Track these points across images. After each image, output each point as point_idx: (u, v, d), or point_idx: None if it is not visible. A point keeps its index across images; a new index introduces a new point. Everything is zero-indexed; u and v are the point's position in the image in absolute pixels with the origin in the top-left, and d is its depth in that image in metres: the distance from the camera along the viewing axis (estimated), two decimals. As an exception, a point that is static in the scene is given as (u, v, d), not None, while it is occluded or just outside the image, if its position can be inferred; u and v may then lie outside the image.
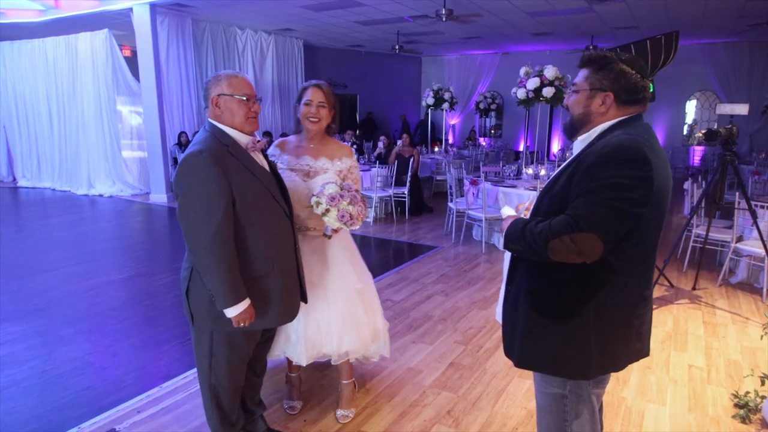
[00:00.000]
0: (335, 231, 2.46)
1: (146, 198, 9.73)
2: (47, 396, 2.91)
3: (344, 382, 2.78)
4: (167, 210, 8.92)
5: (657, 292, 4.82)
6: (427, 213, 8.56)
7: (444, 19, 8.39)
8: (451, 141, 15.75)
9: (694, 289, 4.96)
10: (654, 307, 4.45)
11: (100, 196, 10.03)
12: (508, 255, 1.79)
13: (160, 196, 9.49)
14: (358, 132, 14.73)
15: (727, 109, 4.22)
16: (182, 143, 9.83)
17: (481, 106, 14.30)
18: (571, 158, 1.61)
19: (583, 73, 1.63)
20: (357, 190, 2.41)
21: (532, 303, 1.64)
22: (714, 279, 5.21)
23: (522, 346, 1.68)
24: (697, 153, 13.71)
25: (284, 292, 2.13)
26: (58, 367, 3.23)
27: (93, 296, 4.59)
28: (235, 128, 2.01)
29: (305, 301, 2.33)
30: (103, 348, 3.53)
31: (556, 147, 14.92)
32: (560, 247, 1.42)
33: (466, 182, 6.32)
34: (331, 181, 2.38)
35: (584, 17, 10.23)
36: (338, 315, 2.56)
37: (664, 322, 4.16)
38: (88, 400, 2.87)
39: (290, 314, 2.22)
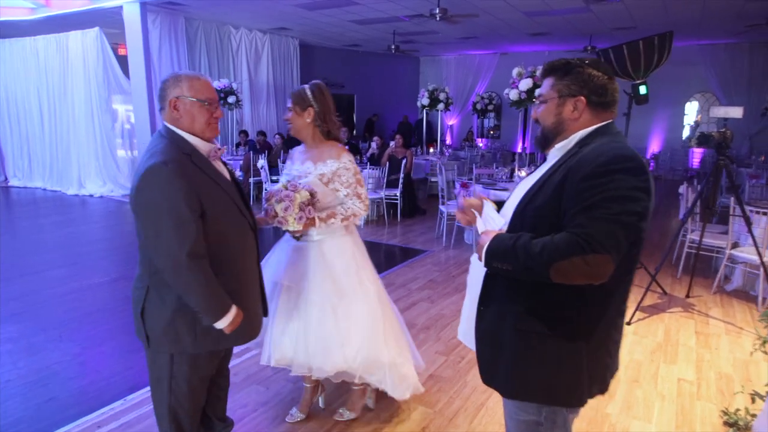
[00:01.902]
0: (291, 232, 2.34)
1: (137, 198, 9.61)
2: (6, 408, 2.79)
3: (354, 387, 2.72)
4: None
5: (649, 299, 4.68)
6: (419, 215, 8.44)
7: (438, 18, 8.26)
8: (448, 142, 15.62)
9: (687, 296, 4.84)
10: (645, 315, 4.37)
11: (91, 196, 9.93)
12: (476, 270, 1.64)
13: (150, 197, 9.37)
14: (354, 132, 14.63)
15: (721, 112, 4.10)
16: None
17: (478, 106, 14.16)
18: (550, 166, 1.49)
19: (548, 82, 1.56)
20: (295, 190, 2.25)
21: (521, 326, 1.50)
22: (709, 286, 5.08)
23: (511, 375, 1.54)
24: (696, 155, 13.56)
25: (251, 310, 2.03)
26: (22, 377, 3.12)
27: (71, 300, 4.47)
28: (194, 134, 1.87)
29: (266, 315, 2.21)
30: (72, 356, 3.41)
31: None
32: (569, 269, 1.31)
33: (457, 184, 6.20)
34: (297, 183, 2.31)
35: (582, 17, 10.10)
36: (308, 327, 2.45)
37: (654, 331, 4.04)
38: (49, 413, 2.75)
39: (255, 331, 2.11)
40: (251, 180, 9.17)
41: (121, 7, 8.76)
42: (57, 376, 3.15)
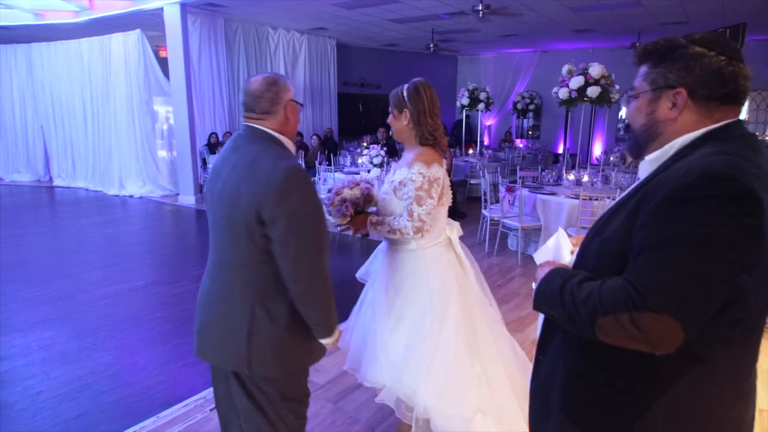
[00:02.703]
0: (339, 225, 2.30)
1: (175, 199, 9.66)
2: (36, 423, 2.68)
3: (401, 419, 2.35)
4: (195, 212, 8.80)
5: None
6: (459, 219, 8.14)
7: (481, 15, 7.95)
8: (486, 143, 15.24)
9: None
10: None
11: (131, 196, 10.03)
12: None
13: (188, 198, 9.39)
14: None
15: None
16: (212, 144, 9.70)
17: (519, 106, 13.73)
18: (634, 186, 1.16)
19: (641, 71, 1.19)
20: (352, 186, 2.25)
21: (572, 392, 1.20)
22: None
23: None
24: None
25: None
26: (53, 389, 3.01)
27: (105, 306, 4.40)
28: (289, 138, 1.80)
29: None
30: (104, 367, 3.30)
31: (598, 150, 14.24)
32: (615, 329, 0.98)
33: (502, 188, 5.90)
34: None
35: (630, 12, 9.60)
36: (390, 336, 2.24)
37: None
38: (77, 430, 2.62)
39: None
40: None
41: (161, 9, 8.79)
42: (88, 389, 3.03)
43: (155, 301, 4.54)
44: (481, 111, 9.90)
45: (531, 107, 13.91)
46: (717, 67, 1.08)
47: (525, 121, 15.65)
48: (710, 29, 9.34)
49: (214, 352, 1.77)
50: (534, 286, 1.23)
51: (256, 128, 1.71)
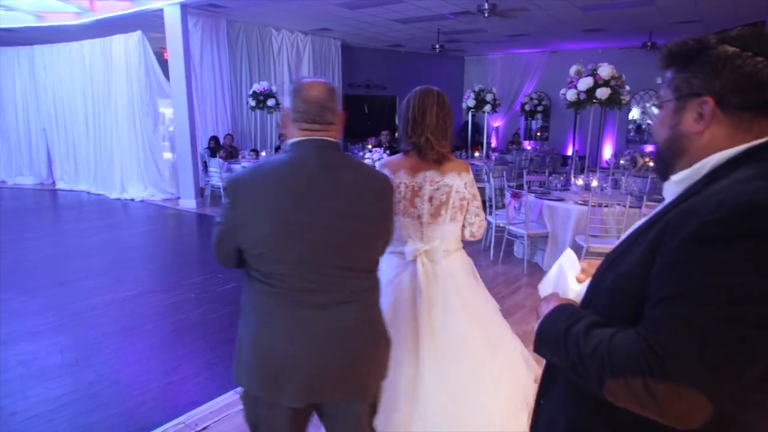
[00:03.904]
0: None
1: (176, 203, 9.53)
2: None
3: None
4: (195, 216, 8.66)
5: None
6: (464, 224, 7.95)
7: (486, 14, 7.76)
8: (493, 144, 15.01)
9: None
10: None
11: (132, 200, 9.92)
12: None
13: (189, 201, 9.26)
14: (396, 134, 14.23)
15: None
16: (212, 148, 9.55)
17: (527, 107, 13.49)
18: (656, 211, 0.97)
19: (666, 76, 1.01)
20: None
21: None
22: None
23: None
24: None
25: None
26: (28, 409, 2.85)
27: (95, 317, 4.24)
28: None
29: None
30: (85, 385, 3.13)
31: (608, 153, 13.96)
32: (626, 394, 0.80)
33: (507, 193, 5.70)
34: None
35: (641, 11, 9.35)
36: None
37: None
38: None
39: None
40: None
41: (161, 10, 8.67)
42: (65, 410, 2.85)
43: (147, 312, 4.38)
44: (488, 113, 9.68)
45: (539, 108, 13.64)
46: (752, 71, 0.88)
47: (533, 122, 15.40)
48: (724, 28, 9.05)
49: (342, 389, 1.62)
50: (536, 323, 1.05)
51: (330, 141, 1.59)
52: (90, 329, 4.00)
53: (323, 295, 1.54)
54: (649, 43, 11.39)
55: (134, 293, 4.83)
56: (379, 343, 1.69)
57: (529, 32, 11.79)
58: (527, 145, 13.45)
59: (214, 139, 9.75)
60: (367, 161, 7.65)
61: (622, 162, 8.00)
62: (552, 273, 1.20)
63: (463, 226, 2.30)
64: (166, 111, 10.16)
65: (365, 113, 14.61)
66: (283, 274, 1.51)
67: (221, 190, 9.02)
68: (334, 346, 1.56)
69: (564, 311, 0.99)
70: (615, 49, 13.26)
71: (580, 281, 1.18)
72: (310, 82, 1.57)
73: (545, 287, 1.18)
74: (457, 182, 2.19)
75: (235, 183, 1.52)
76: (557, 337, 0.94)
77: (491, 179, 6.14)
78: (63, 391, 3.06)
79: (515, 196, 5.39)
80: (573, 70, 5.70)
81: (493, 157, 10.34)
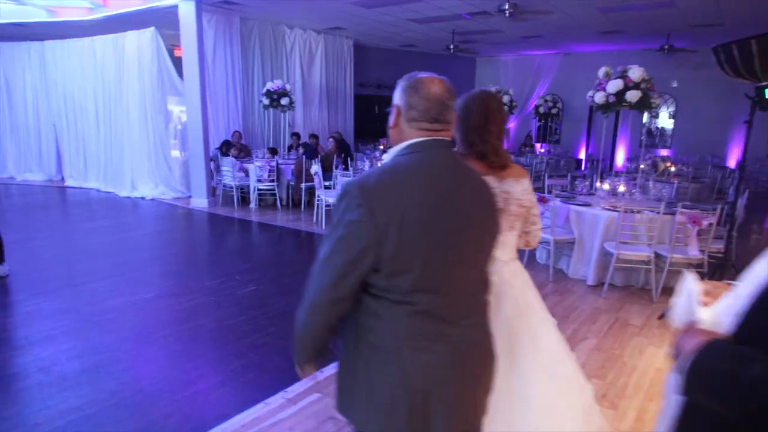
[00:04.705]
0: None
1: (187, 202, 9.40)
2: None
3: None
4: (207, 216, 8.53)
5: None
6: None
7: (508, 14, 7.60)
8: (505, 147, 14.82)
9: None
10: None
11: (142, 198, 9.78)
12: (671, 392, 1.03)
13: (200, 201, 9.13)
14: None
15: None
16: (222, 149, 9.38)
17: (541, 110, 13.33)
18: None
19: None
20: None
21: None
22: None
23: None
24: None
25: None
26: (50, 421, 2.71)
27: (110, 321, 4.11)
28: None
29: None
30: (106, 395, 2.99)
31: (620, 156, 13.79)
32: None
33: (533, 199, 5.53)
34: None
35: (662, 12, 9.17)
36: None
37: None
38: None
39: None
40: (303, 185, 8.77)
41: (176, 6, 8.54)
42: (88, 422, 2.72)
43: (164, 317, 4.25)
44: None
45: (554, 111, 13.47)
46: None
47: (550, 124, 15.18)
48: (742, 31, 8.90)
49: (480, 412, 1.53)
50: (681, 359, 0.90)
51: (451, 142, 1.47)
52: (106, 334, 3.86)
53: (465, 311, 1.42)
54: (666, 47, 11.21)
55: (149, 296, 4.69)
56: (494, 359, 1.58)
57: (545, 34, 11.62)
58: (540, 148, 13.26)
59: (226, 143, 9.57)
60: (381, 163, 7.50)
61: (642, 166, 7.83)
62: (681, 300, 1.06)
63: (520, 234, 2.15)
64: (179, 109, 10.02)
65: (376, 113, 14.46)
66: (429, 290, 1.34)
67: (232, 190, 8.89)
68: (477, 367, 1.45)
69: (721, 349, 0.85)
70: (631, 51, 13.08)
71: (705, 305, 1.05)
72: (430, 78, 1.41)
73: (677, 316, 1.04)
74: (516, 188, 2.05)
75: (365, 191, 1.29)
76: (723, 379, 0.81)
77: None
78: (84, 400, 2.92)
79: (542, 201, 5.24)
80: (602, 72, 5.54)
81: (521, 161, 10.17)
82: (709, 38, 11.16)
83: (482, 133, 1.95)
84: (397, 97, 1.43)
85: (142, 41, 9.59)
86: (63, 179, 11.60)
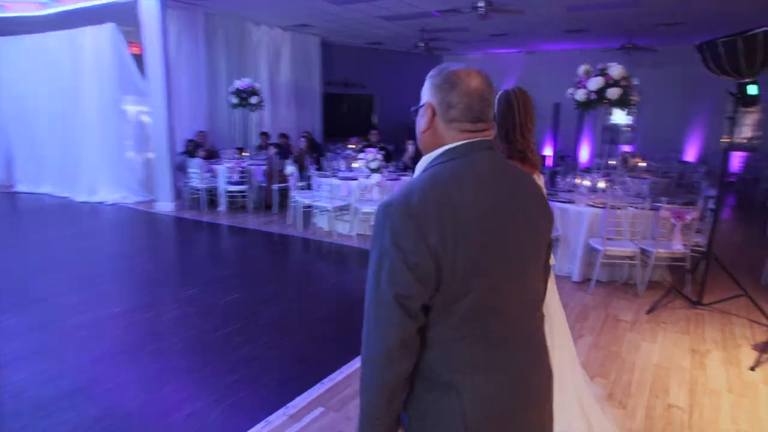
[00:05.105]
0: None
1: (151, 206, 8.98)
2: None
3: None
4: (174, 220, 8.16)
5: (759, 333, 4.03)
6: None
7: (482, 12, 7.57)
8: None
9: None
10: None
11: (102, 203, 9.28)
12: None
13: (166, 204, 8.73)
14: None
15: None
16: (189, 151, 9.01)
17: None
18: None
19: None
20: None
21: None
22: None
23: None
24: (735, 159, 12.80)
25: None
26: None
27: (84, 339, 3.81)
28: None
29: None
30: (91, 422, 2.74)
31: (585, 152, 14.09)
32: None
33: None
34: None
35: (626, 12, 9.37)
36: None
37: (791, 381, 3.34)
38: None
39: None
40: (275, 187, 8.51)
41: (135, 2, 8.12)
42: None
43: (142, 331, 3.97)
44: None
45: (522, 109, 13.60)
46: None
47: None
48: (705, 32, 9.18)
49: None
50: None
51: (492, 142, 1.30)
52: (80, 353, 3.58)
53: (525, 331, 1.28)
54: (629, 45, 11.51)
55: (122, 309, 4.40)
56: None
57: (512, 32, 11.73)
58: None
59: (192, 143, 9.20)
60: (359, 163, 7.35)
61: (612, 162, 7.98)
62: None
63: None
64: (141, 108, 9.56)
65: (344, 112, 14.28)
66: (489, 312, 1.19)
67: (200, 193, 8.54)
68: (540, 392, 1.31)
69: None
70: (593, 50, 13.35)
71: None
72: (466, 70, 1.23)
73: None
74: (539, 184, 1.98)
75: (411, 212, 1.12)
76: None
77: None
78: (66, 428, 2.66)
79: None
80: (582, 69, 5.57)
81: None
82: (671, 37, 11.53)
83: (524, 130, 1.86)
84: (429, 95, 1.26)
85: (100, 37, 9.09)
86: (13, 184, 10.88)
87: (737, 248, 6.71)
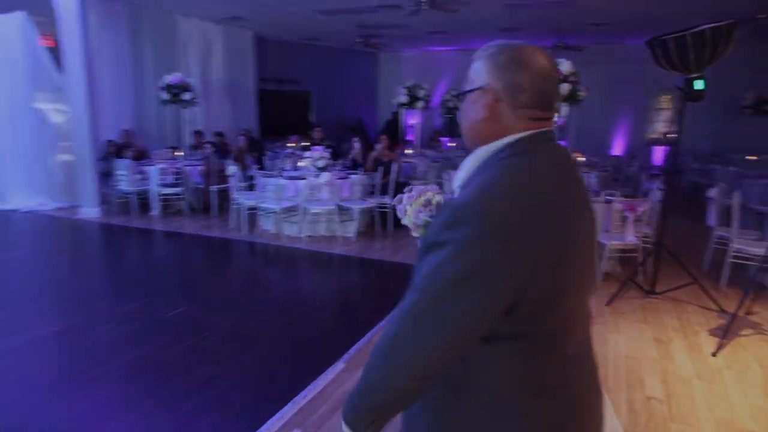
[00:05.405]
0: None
1: (73, 212, 8.19)
2: None
3: None
4: (101, 227, 7.49)
5: (709, 319, 4.19)
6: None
7: (424, 8, 7.49)
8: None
9: (749, 313, 4.35)
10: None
11: (15, 211, 8.36)
12: None
13: (90, 210, 7.99)
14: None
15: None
16: (110, 152, 8.30)
17: (450, 104, 13.56)
18: None
19: None
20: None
21: None
22: (751, 299, 4.64)
23: None
24: (658, 152, 13.65)
25: None
26: None
27: (13, 367, 3.33)
28: None
29: None
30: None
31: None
32: None
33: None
34: None
35: (560, 11, 9.65)
36: None
37: (747, 364, 3.47)
38: None
39: None
40: (214, 188, 8.01)
41: (49, -13, 7.37)
42: None
43: (81, 355, 3.52)
44: (422, 109, 9.49)
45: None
46: None
47: (448, 119, 15.46)
48: (632, 32, 9.61)
49: None
50: None
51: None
52: (10, 384, 3.10)
53: (583, 345, 1.14)
54: (560, 44, 11.91)
55: (55, 330, 3.90)
56: None
57: (450, 30, 11.78)
58: (452, 143, 13.48)
59: (113, 143, 8.49)
60: (306, 161, 7.05)
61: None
62: None
63: None
64: (58, 106, 8.70)
65: (280, 109, 13.81)
66: (559, 326, 1.04)
67: (129, 197, 7.90)
68: (597, 408, 1.17)
69: None
70: (526, 48, 13.68)
71: None
72: (531, 46, 1.06)
73: None
74: None
75: (493, 217, 0.94)
76: None
77: (453, 176, 5.87)
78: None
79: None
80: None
81: (428, 154, 10.18)
82: (596, 36, 12.04)
83: None
84: (487, 76, 1.06)
85: (9, 27, 8.16)
86: None
87: (678, 238, 7.05)
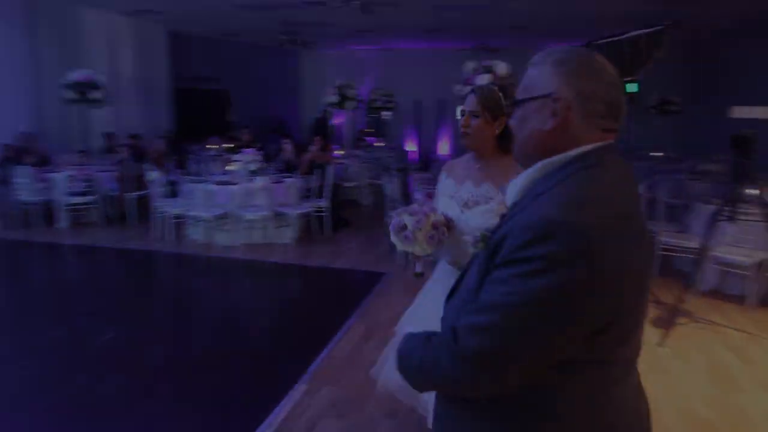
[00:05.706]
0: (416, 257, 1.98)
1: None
2: None
3: None
4: (4, 243, 6.63)
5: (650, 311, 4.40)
6: (343, 228, 7.43)
7: (358, 7, 7.33)
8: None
9: (682, 302, 4.62)
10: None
11: None
12: None
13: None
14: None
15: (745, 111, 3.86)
16: (9, 158, 7.38)
17: (378, 104, 13.47)
18: None
19: None
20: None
21: None
22: (682, 290, 4.95)
23: None
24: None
25: None
26: None
27: None
28: None
29: None
30: None
31: (444, 147, 14.76)
32: None
33: (418, 194, 5.42)
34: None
35: (484, 13, 9.86)
36: None
37: (690, 352, 3.66)
38: None
39: None
40: (131, 195, 7.33)
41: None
42: None
43: (16, 389, 3.02)
44: (352, 109, 9.33)
45: (390, 105, 13.72)
46: None
47: (375, 119, 15.37)
48: (547, 36, 10.04)
49: None
50: None
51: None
52: None
53: (636, 365, 1.10)
54: (482, 46, 12.23)
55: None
56: None
57: (376, 28, 11.67)
58: (377, 142, 13.40)
59: (11, 147, 7.55)
60: (236, 165, 6.65)
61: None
62: None
63: None
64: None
65: (200, 110, 13.07)
66: (631, 348, 1.02)
67: (31, 208, 7.05)
68: (648, 418, 1.16)
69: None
70: (447, 49, 13.95)
71: None
72: (598, 54, 1.01)
73: None
74: None
75: (585, 233, 0.86)
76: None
77: (394, 179, 5.78)
78: None
79: (430, 196, 5.10)
80: (470, 66, 5.63)
81: (358, 154, 10.04)
82: (514, 40, 12.48)
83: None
84: (556, 82, 0.97)
85: None
86: None
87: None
